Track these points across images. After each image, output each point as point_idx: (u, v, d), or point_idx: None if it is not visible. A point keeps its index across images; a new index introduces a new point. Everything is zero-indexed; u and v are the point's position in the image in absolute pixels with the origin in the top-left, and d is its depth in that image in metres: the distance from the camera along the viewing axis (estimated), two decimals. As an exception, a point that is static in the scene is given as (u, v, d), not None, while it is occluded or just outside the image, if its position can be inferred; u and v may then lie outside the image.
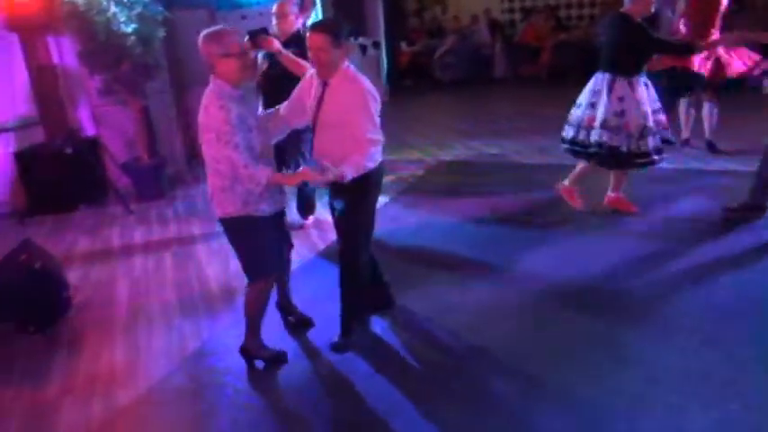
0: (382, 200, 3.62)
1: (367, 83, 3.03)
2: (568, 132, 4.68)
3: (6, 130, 6.18)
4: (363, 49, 10.23)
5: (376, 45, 10.66)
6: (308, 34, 3.03)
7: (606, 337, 3.22)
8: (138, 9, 5.77)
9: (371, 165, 3.01)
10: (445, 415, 2.76)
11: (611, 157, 4.45)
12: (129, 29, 5.68)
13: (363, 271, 3.30)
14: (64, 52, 6.46)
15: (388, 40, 11.16)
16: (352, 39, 3.13)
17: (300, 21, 4.66)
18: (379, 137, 3.04)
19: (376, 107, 3.00)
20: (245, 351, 3.23)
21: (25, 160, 6.16)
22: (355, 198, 3.13)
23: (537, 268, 4.03)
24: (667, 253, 4.06)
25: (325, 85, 3.05)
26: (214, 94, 2.84)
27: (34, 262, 3.82)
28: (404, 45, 12.48)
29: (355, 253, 3.24)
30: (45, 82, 6.30)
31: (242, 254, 3.06)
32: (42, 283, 3.83)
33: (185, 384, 3.18)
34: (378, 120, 3.03)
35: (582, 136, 4.56)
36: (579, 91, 4.66)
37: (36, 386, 3.28)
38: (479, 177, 6.11)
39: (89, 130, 6.77)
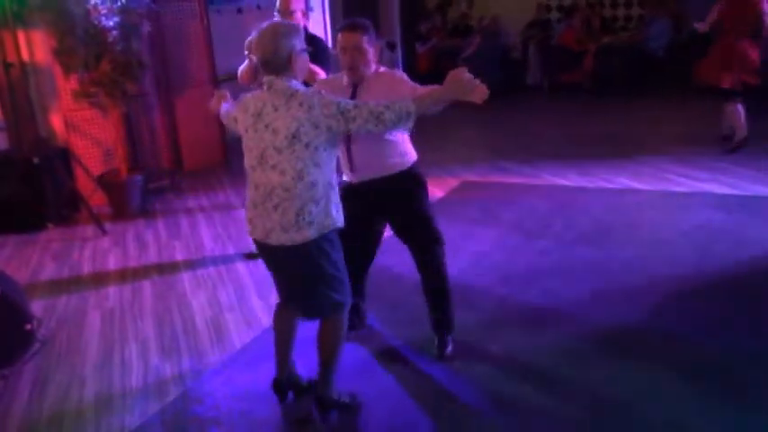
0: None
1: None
2: None
3: (-34, 135, 6.27)
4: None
5: (391, 46, 10.74)
6: (339, 35, 3.19)
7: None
8: (122, 0, 5.86)
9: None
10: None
11: None
12: (111, 22, 5.77)
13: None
14: (35, 48, 6.56)
15: (405, 41, 11.25)
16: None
17: (307, 21, 4.73)
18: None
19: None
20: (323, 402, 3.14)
21: (-16, 171, 6.21)
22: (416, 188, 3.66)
23: (585, 310, 3.98)
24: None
25: (355, 87, 3.22)
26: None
27: (-7, 289, 3.82)
28: (418, 45, 12.54)
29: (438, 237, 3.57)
30: (12, 81, 6.40)
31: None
32: (1, 313, 3.82)
33: (164, 436, 3.16)
34: None
35: None
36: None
37: (-9, 434, 3.28)
38: (510, 200, 6.10)
39: (61, 137, 6.84)
